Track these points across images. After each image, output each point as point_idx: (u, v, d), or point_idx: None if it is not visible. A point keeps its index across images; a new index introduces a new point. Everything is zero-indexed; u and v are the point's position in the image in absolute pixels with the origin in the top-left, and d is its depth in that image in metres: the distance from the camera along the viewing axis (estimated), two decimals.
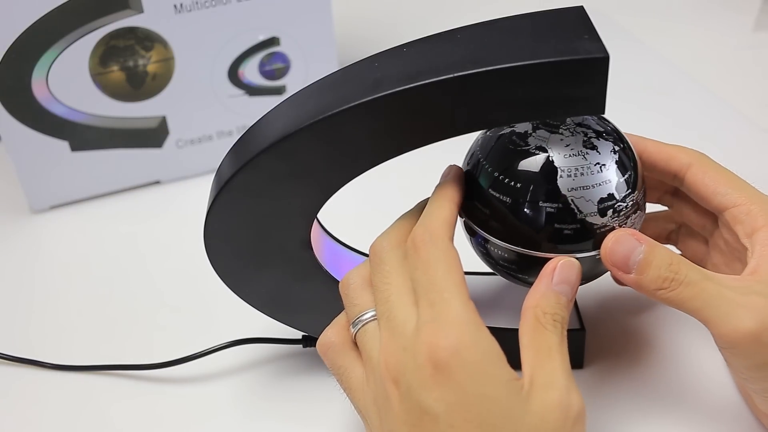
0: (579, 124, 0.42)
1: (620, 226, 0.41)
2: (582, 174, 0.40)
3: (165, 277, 0.60)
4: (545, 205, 0.40)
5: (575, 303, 0.51)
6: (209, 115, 0.69)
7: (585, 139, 0.41)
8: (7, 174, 0.70)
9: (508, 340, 0.49)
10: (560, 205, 0.40)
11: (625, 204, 0.41)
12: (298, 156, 0.40)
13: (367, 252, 0.52)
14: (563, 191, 0.40)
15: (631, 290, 0.55)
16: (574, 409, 0.34)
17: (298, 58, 0.69)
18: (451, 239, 0.38)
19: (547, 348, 0.35)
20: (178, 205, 0.68)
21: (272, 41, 0.68)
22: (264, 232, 0.43)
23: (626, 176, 0.41)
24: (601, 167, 0.40)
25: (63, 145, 0.66)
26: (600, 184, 0.40)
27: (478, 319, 0.35)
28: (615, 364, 0.50)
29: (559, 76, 0.37)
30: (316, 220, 0.45)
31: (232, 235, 0.44)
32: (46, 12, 0.60)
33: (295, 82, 0.70)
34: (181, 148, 0.69)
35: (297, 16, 0.67)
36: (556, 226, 0.40)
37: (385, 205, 0.66)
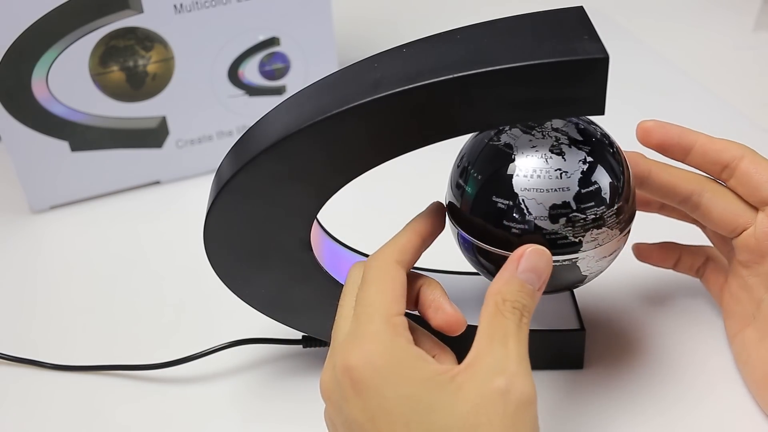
0: (556, 129, 0.41)
1: (576, 238, 0.40)
2: (539, 177, 0.40)
3: (165, 278, 0.60)
4: (498, 200, 0.41)
5: (575, 303, 0.51)
6: (209, 115, 0.69)
7: (554, 144, 0.41)
8: (7, 174, 0.70)
9: None
10: (510, 203, 0.40)
11: (583, 216, 0.40)
12: (298, 157, 0.40)
13: (367, 252, 0.52)
14: (516, 189, 0.40)
15: (631, 290, 0.55)
16: (515, 395, 0.33)
17: (298, 58, 0.69)
18: (399, 262, 0.39)
19: (502, 335, 0.35)
20: (178, 205, 0.68)
21: (272, 41, 0.68)
22: (264, 232, 0.43)
23: (592, 189, 0.40)
24: (561, 174, 0.40)
25: (63, 145, 0.66)
26: (556, 190, 0.40)
27: (397, 331, 0.36)
28: (615, 364, 0.50)
29: (558, 77, 0.37)
30: (315, 220, 0.45)
31: (232, 235, 0.44)
32: (46, 12, 0.60)
33: (295, 82, 0.70)
34: (181, 148, 0.69)
35: (297, 16, 0.67)
36: (505, 223, 0.41)
37: (385, 206, 0.66)
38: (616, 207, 0.41)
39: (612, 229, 0.41)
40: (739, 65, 0.83)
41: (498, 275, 0.38)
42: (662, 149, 0.46)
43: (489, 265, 0.43)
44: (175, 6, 0.63)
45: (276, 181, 0.41)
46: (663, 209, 0.50)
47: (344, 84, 0.40)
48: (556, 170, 0.40)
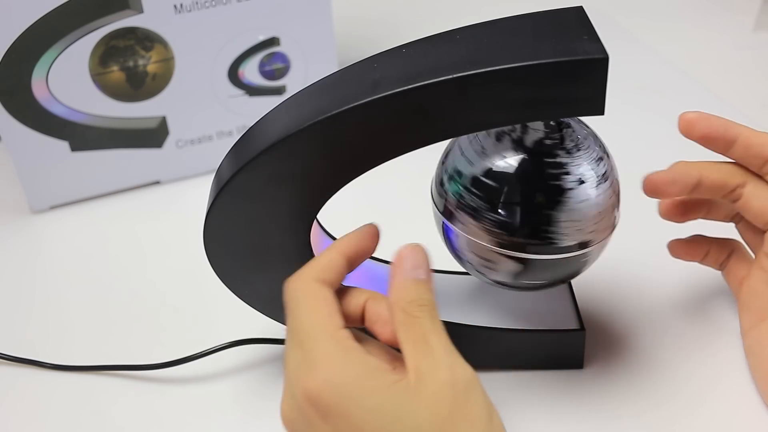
0: (520, 143, 0.42)
1: (450, 223, 0.44)
2: (470, 140, 0.43)
3: (165, 278, 0.60)
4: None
5: (575, 303, 0.51)
6: (209, 115, 0.69)
7: (505, 130, 0.42)
8: (7, 174, 0.70)
9: (507, 339, 0.49)
10: (448, 151, 0.45)
11: (464, 194, 0.43)
12: (298, 157, 0.40)
13: None
14: (454, 143, 0.44)
15: (630, 290, 0.55)
16: (461, 382, 0.35)
17: (298, 58, 0.69)
18: (320, 280, 0.38)
19: (422, 335, 0.36)
20: (178, 206, 0.68)
21: (272, 41, 0.68)
22: (264, 232, 0.43)
23: (489, 183, 0.42)
24: (482, 150, 0.42)
25: (63, 145, 0.66)
26: (466, 159, 0.43)
27: (346, 344, 0.36)
28: (615, 364, 0.50)
29: (558, 77, 0.37)
30: (315, 220, 0.45)
31: (232, 235, 0.44)
32: (46, 12, 0.60)
33: (295, 82, 0.70)
34: (181, 148, 0.69)
35: (297, 16, 0.67)
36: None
37: (385, 206, 0.66)
38: (497, 218, 0.42)
39: (483, 231, 0.43)
40: (739, 65, 0.83)
41: (390, 285, 0.38)
42: (705, 141, 0.47)
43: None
44: (175, 6, 0.63)
45: (276, 181, 0.41)
46: (707, 214, 0.51)
47: (344, 84, 0.40)
48: (480, 145, 0.43)
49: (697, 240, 0.53)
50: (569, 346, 0.49)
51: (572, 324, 0.49)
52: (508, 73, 0.37)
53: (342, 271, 0.40)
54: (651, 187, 0.46)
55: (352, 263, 0.40)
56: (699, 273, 0.56)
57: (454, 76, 0.37)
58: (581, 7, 0.40)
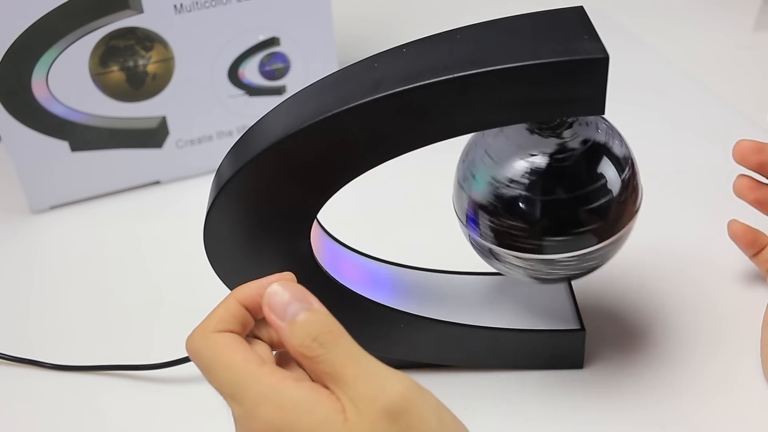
0: (532, 148, 0.42)
1: (472, 230, 0.44)
2: (478, 166, 0.43)
3: (165, 277, 0.60)
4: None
5: (575, 303, 0.51)
6: (209, 115, 0.69)
7: (523, 154, 0.42)
8: (7, 174, 0.70)
9: (507, 339, 0.49)
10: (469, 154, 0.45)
11: (466, 213, 0.44)
12: (298, 156, 0.40)
13: (367, 252, 0.52)
14: (477, 140, 0.44)
15: (630, 290, 0.55)
16: (395, 404, 0.33)
17: (298, 58, 0.69)
18: (220, 330, 0.36)
19: (333, 373, 0.34)
20: (178, 206, 0.68)
21: (272, 41, 0.68)
22: (264, 232, 0.43)
23: (497, 206, 0.42)
24: (486, 180, 0.43)
25: (63, 145, 0.66)
26: (469, 187, 0.43)
27: (274, 380, 0.34)
28: (615, 364, 0.50)
29: (558, 77, 0.37)
30: (316, 220, 0.45)
31: (232, 235, 0.44)
32: (46, 12, 0.60)
33: (295, 82, 0.70)
34: (181, 148, 0.69)
35: (297, 16, 0.67)
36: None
37: (385, 206, 0.66)
38: (519, 225, 0.42)
39: (505, 237, 0.43)
40: (739, 65, 0.83)
41: (279, 334, 0.35)
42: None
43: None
44: (175, 6, 0.63)
45: (276, 180, 0.41)
46: None
47: (344, 84, 0.40)
48: (493, 154, 0.43)
49: (759, 234, 0.53)
50: (569, 346, 0.49)
51: (572, 324, 0.49)
52: (509, 72, 0.37)
53: (242, 318, 0.37)
54: (738, 150, 0.50)
55: (254, 311, 0.37)
56: (699, 273, 0.56)
57: (455, 75, 0.37)
58: (581, 6, 0.40)
